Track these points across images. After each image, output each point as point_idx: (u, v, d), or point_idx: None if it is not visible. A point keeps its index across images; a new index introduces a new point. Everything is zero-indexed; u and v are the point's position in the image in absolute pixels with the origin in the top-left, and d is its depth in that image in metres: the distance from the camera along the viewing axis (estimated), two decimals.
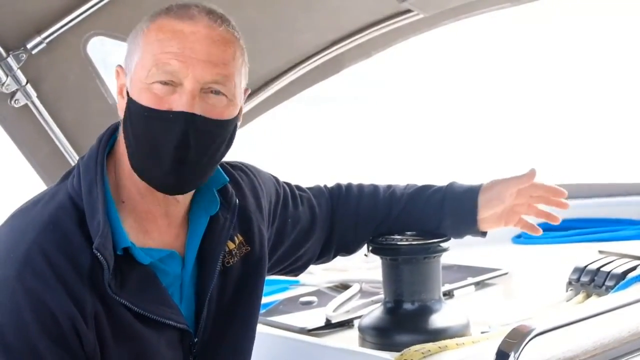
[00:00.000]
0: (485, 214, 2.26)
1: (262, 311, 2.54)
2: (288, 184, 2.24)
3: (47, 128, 2.50)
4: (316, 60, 2.88)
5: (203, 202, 1.89)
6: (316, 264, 2.37)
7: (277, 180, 2.21)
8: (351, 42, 2.86)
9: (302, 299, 2.68)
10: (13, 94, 2.39)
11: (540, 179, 2.28)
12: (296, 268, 2.27)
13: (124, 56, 1.82)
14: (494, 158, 10.65)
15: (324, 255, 2.31)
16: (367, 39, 2.87)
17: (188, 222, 1.88)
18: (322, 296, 2.71)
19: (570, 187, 3.39)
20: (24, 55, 2.34)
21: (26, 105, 2.44)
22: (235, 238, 1.96)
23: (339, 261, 2.65)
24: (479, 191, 2.26)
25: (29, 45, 2.34)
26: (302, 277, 2.83)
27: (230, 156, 1.93)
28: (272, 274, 2.25)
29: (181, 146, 1.73)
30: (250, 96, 2.85)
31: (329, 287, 2.82)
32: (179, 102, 1.73)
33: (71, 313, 1.65)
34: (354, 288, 2.70)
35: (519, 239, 3.32)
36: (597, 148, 11.30)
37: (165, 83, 1.73)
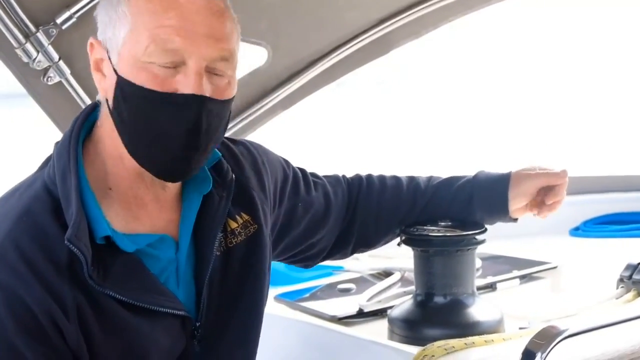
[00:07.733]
0: (513, 207, 2.19)
1: (300, 297, 2.50)
2: (301, 169, 2.16)
3: (83, 106, 2.45)
4: (362, 40, 2.75)
5: (195, 181, 1.79)
6: (333, 260, 2.29)
7: (287, 162, 2.12)
8: (399, 20, 2.73)
9: (340, 286, 2.60)
10: (46, 70, 2.34)
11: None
12: (308, 257, 2.19)
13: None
14: (519, 149, 10.44)
15: (340, 248, 2.22)
16: (416, 17, 2.74)
17: (182, 204, 1.80)
18: (362, 283, 2.62)
19: (629, 178, 3.26)
20: (54, 31, 2.27)
21: (60, 82, 2.38)
22: (238, 217, 1.86)
23: (385, 248, 2.56)
24: (508, 184, 2.17)
25: (58, 20, 2.27)
26: (347, 263, 2.76)
27: None
28: (282, 261, 2.18)
29: (194, 131, 1.64)
30: (292, 78, 2.79)
31: (371, 275, 2.73)
32: (186, 84, 1.61)
33: (50, 308, 1.57)
34: (394, 277, 2.61)
35: (577, 231, 3.18)
36: None
37: (166, 65, 1.61)
